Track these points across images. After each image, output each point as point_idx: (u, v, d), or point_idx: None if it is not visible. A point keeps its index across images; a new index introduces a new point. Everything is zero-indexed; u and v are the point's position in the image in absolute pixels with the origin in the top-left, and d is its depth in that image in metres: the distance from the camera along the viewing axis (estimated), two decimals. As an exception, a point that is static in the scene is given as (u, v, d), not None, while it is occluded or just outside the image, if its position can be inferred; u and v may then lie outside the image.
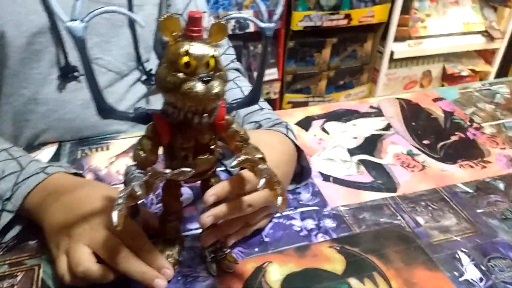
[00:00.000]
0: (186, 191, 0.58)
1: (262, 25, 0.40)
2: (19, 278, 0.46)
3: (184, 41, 0.36)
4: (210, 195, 0.43)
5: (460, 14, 2.03)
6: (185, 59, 0.35)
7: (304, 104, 1.90)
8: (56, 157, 0.62)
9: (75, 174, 0.52)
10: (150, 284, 0.42)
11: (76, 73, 0.61)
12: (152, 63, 0.71)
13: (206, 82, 0.35)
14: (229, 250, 0.48)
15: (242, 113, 0.63)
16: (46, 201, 0.47)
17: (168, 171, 0.38)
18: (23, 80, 0.60)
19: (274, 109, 0.66)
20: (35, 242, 0.50)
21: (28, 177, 0.48)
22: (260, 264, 0.49)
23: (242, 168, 0.44)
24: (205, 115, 0.38)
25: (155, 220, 0.48)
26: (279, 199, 0.40)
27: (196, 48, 0.36)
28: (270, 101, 1.86)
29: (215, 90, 0.36)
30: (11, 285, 0.45)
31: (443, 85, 2.16)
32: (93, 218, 0.43)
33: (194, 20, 0.36)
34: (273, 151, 0.50)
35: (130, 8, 0.62)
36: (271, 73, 1.81)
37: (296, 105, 1.89)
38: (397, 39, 1.87)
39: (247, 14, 1.66)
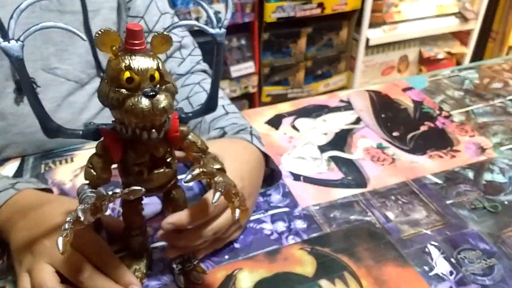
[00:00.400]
0: (155, 201, 0.57)
1: (212, 31, 0.39)
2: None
3: (125, 55, 0.35)
4: (168, 223, 0.42)
5: (433, -3, 2.04)
6: (127, 74, 0.34)
7: (284, 96, 1.89)
8: (19, 173, 0.61)
9: (45, 189, 0.51)
10: None
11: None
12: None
13: (151, 97, 0.34)
14: (197, 261, 0.47)
15: (208, 118, 0.62)
16: (13, 218, 0.46)
17: (118, 191, 0.36)
18: None
19: (253, 103, 0.65)
20: (0, 263, 0.49)
21: None
22: (231, 272, 0.48)
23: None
24: (153, 130, 0.37)
25: (121, 229, 0.47)
26: (237, 211, 0.39)
27: (138, 62, 0.34)
28: (249, 95, 1.85)
29: (162, 105, 0.35)
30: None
31: (420, 70, 2.18)
32: (54, 235, 0.42)
33: (133, 33, 0.34)
34: (237, 160, 0.49)
35: (85, 14, 0.60)
36: (248, 67, 1.80)
37: (275, 98, 1.88)
38: (371, 25, 1.87)
39: (193, 20, 1.64)
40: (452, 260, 0.50)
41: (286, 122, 0.73)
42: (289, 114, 0.75)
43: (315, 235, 0.53)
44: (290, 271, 0.48)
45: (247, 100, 1.88)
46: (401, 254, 0.50)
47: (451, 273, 0.48)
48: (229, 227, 0.48)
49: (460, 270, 0.48)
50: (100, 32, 0.34)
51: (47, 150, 0.65)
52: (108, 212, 0.55)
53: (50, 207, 0.46)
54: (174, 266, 0.47)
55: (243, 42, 1.81)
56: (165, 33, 0.37)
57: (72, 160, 0.63)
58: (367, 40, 1.88)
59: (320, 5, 1.73)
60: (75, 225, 0.35)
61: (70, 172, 0.61)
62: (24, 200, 0.48)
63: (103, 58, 0.66)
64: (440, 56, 2.12)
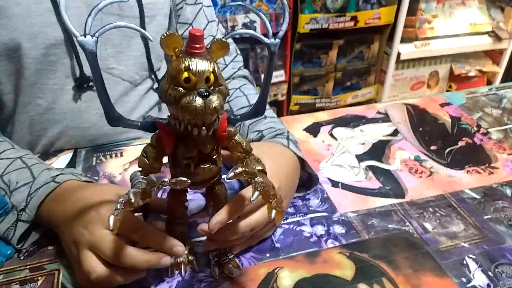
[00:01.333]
0: (199, 197, 0.59)
1: (267, 41, 0.41)
2: (39, 282, 0.48)
3: (185, 57, 0.37)
4: (214, 223, 0.44)
5: (466, 15, 2.03)
6: (185, 74, 0.37)
7: (312, 105, 1.91)
8: (71, 164, 0.64)
9: (86, 181, 0.53)
10: (159, 265, 0.44)
11: (91, 83, 0.63)
12: (163, 72, 0.72)
13: (204, 96, 0.37)
14: (232, 255, 0.49)
15: (247, 122, 0.64)
16: (58, 209, 0.48)
17: (166, 179, 0.39)
18: (39, 90, 0.62)
19: (281, 110, 0.67)
20: (54, 247, 0.52)
21: (40, 187, 0.50)
22: (272, 269, 0.50)
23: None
24: (203, 128, 0.40)
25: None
26: (273, 212, 0.41)
27: (197, 64, 0.37)
28: (278, 103, 1.88)
29: (213, 105, 0.37)
30: (32, 290, 0.47)
31: (450, 86, 2.16)
32: (87, 219, 0.44)
33: (195, 38, 0.37)
34: (274, 164, 0.51)
35: (142, 19, 0.63)
36: (279, 75, 1.82)
37: (303, 106, 1.90)
38: (403, 40, 1.87)
39: (258, 22, 1.68)
40: (490, 273, 0.50)
41: (324, 130, 0.75)
42: (327, 122, 0.77)
43: (353, 240, 0.54)
44: (329, 273, 0.50)
45: (276, 108, 1.91)
46: (439, 265, 0.51)
47: (488, 286, 0.49)
48: (264, 225, 0.50)
49: (497, 284, 0.49)
50: (165, 35, 0.37)
51: (99, 145, 0.68)
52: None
53: (86, 191, 0.49)
54: (211, 257, 0.49)
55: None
56: (223, 39, 0.39)
57: (121, 155, 0.67)
58: (398, 54, 1.88)
59: (354, 18, 1.75)
60: (126, 206, 0.37)
61: (120, 166, 0.64)
62: (66, 190, 0.50)
63: (155, 61, 0.69)
64: (471, 74, 2.10)
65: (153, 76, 0.70)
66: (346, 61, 1.90)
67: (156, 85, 0.71)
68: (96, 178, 0.62)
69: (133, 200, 0.37)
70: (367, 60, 1.93)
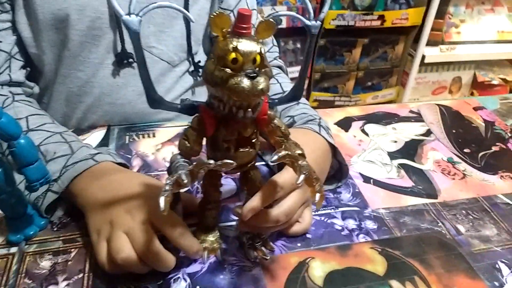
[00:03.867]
0: (230, 183, 0.59)
1: (309, 23, 0.41)
2: (72, 254, 0.48)
3: (232, 38, 0.37)
4: (248, 210, 0.44)
5: (495, 22, 2.00)
6: (233, 55, 0.36)
7: (330, 102, 1.90)
8: (105, 141, 0.64)
9: (122, 164, 0.53)
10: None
11: (130, 60, 0.63)
12: (200, 56, 0.72)
13: (252, 78, 0.36)
14: (265, 237, 0.49)
15: (280, 107, 0.63)
16: (92, 187, 0.48)
17: (211, 162, 0.39)
18: (81, 63, 0.62)
19: None
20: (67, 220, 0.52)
21: (77, 162, 0.50)
22: (303, 259, 0.50)
23: (280, 164, 0.44)
24: (249, 110, 0.39)
25: (195, 205, 0.50)
26: (317, 195, 0.41)
27: (244, 45, 0.36)
28: (297, 98, 1.87)
29: (260, 86, 0.36)
30: (65, 261, 0.47)
31: (472, 93, 2.13)
32: (133, 205, 0.44)
33: (243, 17, 0.36)
34: (305, 149, 0.50)
35: (186, 1, 0.63)
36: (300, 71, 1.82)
37: (322, 103, 1.89)
38: (429, 43, 1.85)
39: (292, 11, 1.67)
40: (523, 280, 0.50)
41: (356, 125, 0.74)
42: (359, 118, 0.76)
43: (385, 237, 0.54)
44: (361, 267, 0.50)
45: (295, 103, 1.90)
46: (471, 267, 0.51)
47: (522, 292, 0.48)
48: (297, 211, 0.50)
49: (531, 291, 0.48)
50: (215, 14, 0.36)
51: (130, 123, 0.68)
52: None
53: (125, 176, 0.49)
54: (245, 240, 0.49)
55: (298, 45, 1.83)
56: (270, 19, 0.38)
57: (154, 135, 0.67)
58: (423, 57, 1.86)
59: (381, 17, 1.73)
60: (175, 187, 0.37)
61: (152, 146, 0.64)
62: (101, 170, 0.50)
63: (194, 44, 0.69)
64: (495, 82, 2.07)
65: (190, 59, 0.70)
66: (369, 60, 1.88)
67: (192, 68, 0.71)
68: (129, 156, 0.62)
69: (185, 181, 0.37)
70: (391, 61, 1.91)
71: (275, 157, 0.41)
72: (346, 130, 0.73)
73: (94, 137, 0.65)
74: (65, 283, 0.45)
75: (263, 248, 0.49)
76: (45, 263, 0.47)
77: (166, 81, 0.67)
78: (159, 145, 0.64)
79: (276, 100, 0.45)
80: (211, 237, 0.49)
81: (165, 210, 0.36)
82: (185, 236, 0.44)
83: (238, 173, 0.48)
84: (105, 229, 0.44)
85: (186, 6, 0.63)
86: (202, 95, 0.75)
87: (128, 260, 0.41)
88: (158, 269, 0.44)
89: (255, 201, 0.44)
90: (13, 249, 0.48)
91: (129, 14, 0.35)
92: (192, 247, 0.45)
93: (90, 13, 0.59)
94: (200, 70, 0.72)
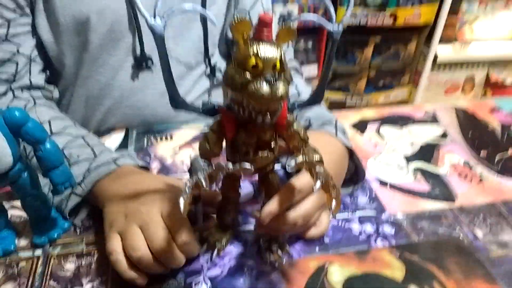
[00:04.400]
0: (247, 186, 0.60)
1: (331, 29, 0.41)
2: (96, 257, 0.49)
3: (253, 43, 0.37)
4: (266, 214, 0.44)
5: (509, 19, 1.97)
6: (253, 60, 0.36)
7: (342, 102, 1.89)
8: (124, 143, 0.65)
9: (142, 167, 0.54)
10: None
11: (149, 63, 0.63)
12: (215, 58, 0.73)
13: (271, 83, 0.36)
14: (282, 241, 0.50)
15: None
16: (113, 187, 0.49)
17: (230, 165, 0.40)
18: (100, 65, 0.63)
19: None
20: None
21: (100, 166, 0.51)
22: (322, 263, 0.50)
23: (298, 169, 0.45)
24: (268, 115, 0.39)
25: (216, 202, 0.50)
26: (334, 202, 0.41)
27: (265, 51, 0.37)
28: (308, 97, 1.86)
29: (280, 92, 0.36)
30: (89, 263, 0.48)
31: (485, 93, 2.11)
32: (147, 199, 0.45)
33: (264, 23, 0.37)
34: (322, 154, 0.50)
35: (204, 2, 0.64)
36: (311, 69, 1.81)
37: (333, 103, 1.88)
38: (442, 40, 1.83)
39: (295, 12, 1.66)
40: (543, 286, 0.49)
41: (372, 128, 0.74)
42: (374, 120, 0.76)
43: (403, 242, 0.54)
44: (379, 273, 0.50)
45: (306, 102, 1.90)
46: (490, 272, 0.51)
47: (541, 298, 0.48)
48: (315, 214, 0.50)
49: (550, 297, 0.48)
50: (237, 20, 0.36)
51: (149, 126, 0.69)
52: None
53: (145, 176, 0.50)
54: (261, 243, 0.50)
55: (309, 44, 1.82)
56: (291, 26, 0.39)
57: (171, 138, 0.67)
58: (436, 56, 1.85)
59: (393, 15, 1.72)
60: (194, 189, 0.38)
61: (171, 149, 0.65)
62: (122, 172, 0.51)
63: (211, 47, 0.70)
64: (509, 81, 2.04)
65: (207, 61, 0.70)
66: (381, 59, 1.87)
67: (208, 71, 0.72)
68: (148, 159, 0.63)
69: (204, 184, 0.38)
70: (403, 60, 1.90)
71: (292, 163, 0.41)
72: (362, 132, 0.73)
73: (113, 140, 0.66)
74: (90, 285, 0.46)
75: (279, 252, 0.49)
76: (69, 266, 0.48)
77: (184, 84, 0.68)
78: (177, 148, 0.65)
79: (296, 105, 0.46)
80: (226, 236, 0.50)
81: (185, 212, 0.37)
82: (189, 242, 0.45)
83: (257, 176, 0.49)
84: (119, 221, 0.45)
85: (204, 8, 0.64)
86: (218, 97, 0.75)
87: (143, 259, 0.42)
88: (170, 266, 0.45)
89: (273, 205, 0.45)
90: (38, 252, 0.49)
91: (154, 16, 0.35)
92: (193, 252, 0.46)
93: (110, 16, 0.60)
94: (216, 72, 0.72)
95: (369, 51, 1.83)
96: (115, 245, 0.43)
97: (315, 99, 0.46)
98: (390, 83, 1.94)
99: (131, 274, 0.43)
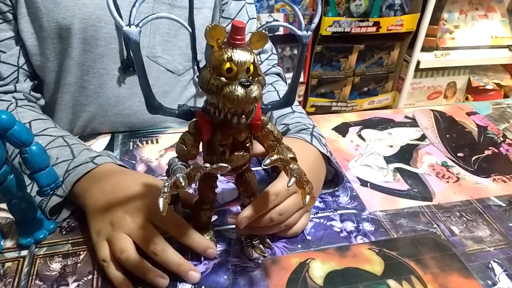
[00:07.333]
0: (232, 186, 0.61)
1: (300, 33, 0.43)
2: (81, 256, 0.50)
3: (227, 48, 0.39)
4: (243, 218, 0.46)
5: (488, 27, 2.03)
6: (228, 65, 0.38)
7: (327, 108, 1.92)
8: (110, 147, 0.66)
9: (120, 166, 0.55)
10: (185, 276, 0.46)
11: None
12: (203, 64, 0.74)
13: (245, 86, 0.38)
14: (263, 236, 0.52)
15: (276, 115, 0.65)
16: (94, 189, 0.50)
17: (207, 165, 0.41)
18: (85, 72, 0.64)
19: None
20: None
21: (78, 166, 0.52)
22: (304, 260, 0.52)
23: (274, 168, 0.47)
24: (243, 116, 0.41)
25: (192, 203, 0.51)
26: (307, 197, 0.42)
27: (238, 55, 0.38)
28: (294, 103, 1.89)
29: (254, 94, 0.38)
30: (74, 263, 0.49)
31: (467, 98, 2.16)
32: (132, 207, 0.46)
33: (237, 29, 0.38)
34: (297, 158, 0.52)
35: (191, 10, 0.65)
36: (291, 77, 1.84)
37: (319, 108, 1.91)
38: (424, 49, 1.88)
39: (281, 21, 1.70)
40: (515, 278, 0.52)
41: (353, 131, 0.76)
42: (355, 123, 0.79)
43: (382, 238, 0.56)
44: (359, 267, 0.51)
45: (292, 108, 1.92)
46: (465, 267, 0.53)
47: (513, 290, 0.50)
48: (292, 213, 0.51)
49: (523, 289, 0.50)
50: (210, 26, 0.38)
51: (135, 130, 0.70)
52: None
53: (124, 178, 0.50)
54: (243, 239, 0.52)
55: (295, 52, 1.85)
56: (262, 31, 0.41)
57: (157, 142, 0.69)
58: (418, 62, 1.89)
59: (376, 23, 1.76)
60: (172, 189, 0.39)
61: (156, 152, 0.66)
62: (102, 172, 0.52)
63: (199, 53, 0.71)
64: (489, 87, 2.10)
65: (195, 67, 0.72)
66: (365, 66, 1.91)
67: (196, 77, 0.73)
68: (134, 162, 0.64)
69: (183, 184, 0.39)
70: (386, 67, 1.94)
71: (267, 161, 0.43)
72: (344, 135, 0.75)
73: (99, 143, 0.67)
74: (75, 284, 0.46)
75: (261, 246, 0.51)
76: (55, 265, 0.48)
77: (172, 91, 0.69)
78: (163, 151, 0.66)
79: (269, 106, 0.47)
80: (206, 236, 0.51)
81: (164, 211, 0.38)
82: (191, 233, 0.47)
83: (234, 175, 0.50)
84: (106, 229, 0.46)
85: (191, 16, 0.65)
86: (201, 103, 0.76)
87: (130, 260, 0.43)
88: (166, 266, 0.45)
89: (249, 211, 0.47)
90: (24, 252, 0.50)
91: (129, 25, 0.37)
92: (201, 242, 0.47)
93: (94, 23, 0.61)
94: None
95: (353, 58, 1.86)
96: (104, 253, 0.45)
97: (287, 101, 0.48)
98: (374, 89, 1.98)
99: (120, 280, 0.44)
